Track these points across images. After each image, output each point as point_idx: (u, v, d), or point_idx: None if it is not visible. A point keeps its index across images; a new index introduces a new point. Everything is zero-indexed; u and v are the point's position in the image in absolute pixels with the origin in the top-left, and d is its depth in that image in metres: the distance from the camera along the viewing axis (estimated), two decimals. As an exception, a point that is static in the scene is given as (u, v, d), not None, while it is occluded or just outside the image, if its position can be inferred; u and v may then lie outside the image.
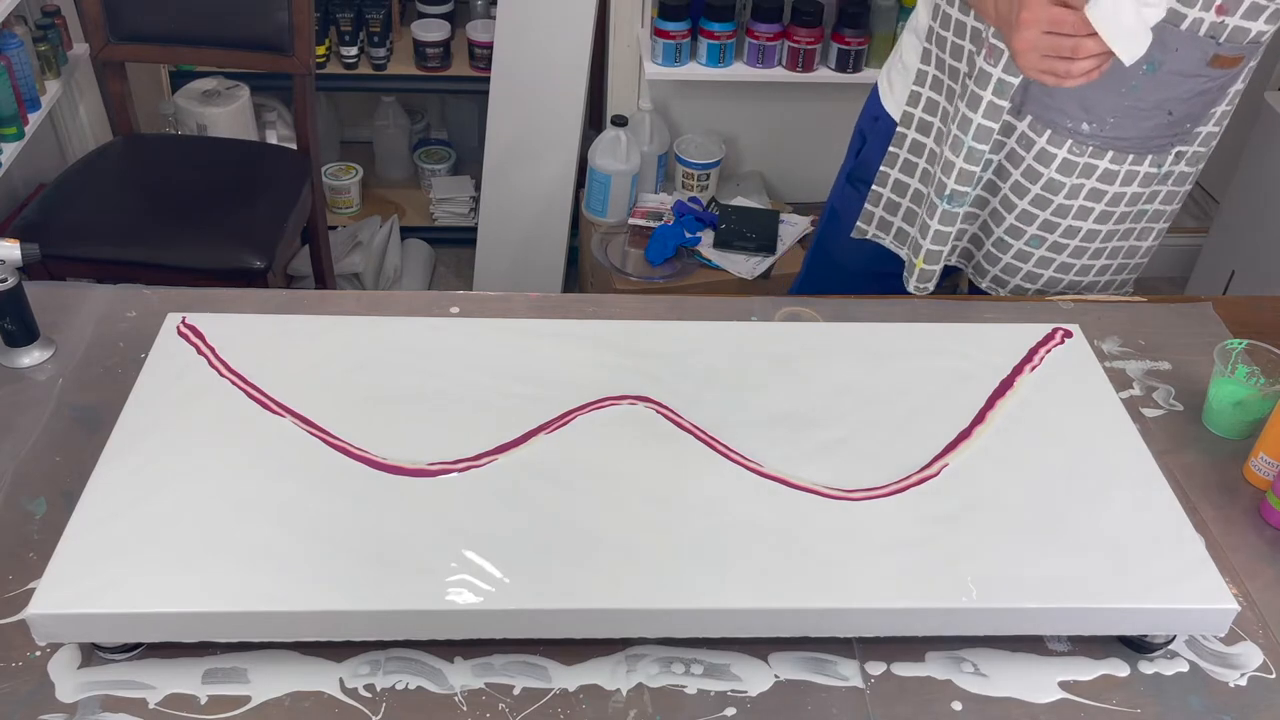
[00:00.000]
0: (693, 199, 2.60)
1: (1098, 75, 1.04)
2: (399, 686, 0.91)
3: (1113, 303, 1.38)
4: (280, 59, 2.16)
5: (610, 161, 2.48)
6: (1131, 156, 1.25)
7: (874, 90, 1.45)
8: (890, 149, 1.38)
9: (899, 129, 1.37)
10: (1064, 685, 0.94)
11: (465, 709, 0.90)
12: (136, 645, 0.92)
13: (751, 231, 2.46)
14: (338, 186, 2.85)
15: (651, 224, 2.49)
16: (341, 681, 0.91)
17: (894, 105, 1.39)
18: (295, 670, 0.92)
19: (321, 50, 2.65)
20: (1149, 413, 1.22)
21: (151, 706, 0.88)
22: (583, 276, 2.73)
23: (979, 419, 1.10)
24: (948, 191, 1.28)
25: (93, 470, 0.98)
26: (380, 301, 1.33)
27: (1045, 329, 1.21)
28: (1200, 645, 0.98)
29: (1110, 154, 1.25)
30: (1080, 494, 1.02)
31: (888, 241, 1.44)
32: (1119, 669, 0.96)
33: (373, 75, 2.71)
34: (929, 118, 1.33)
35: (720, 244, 2.45)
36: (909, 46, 1.36)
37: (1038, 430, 1.08)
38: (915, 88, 1.33)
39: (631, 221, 2.51)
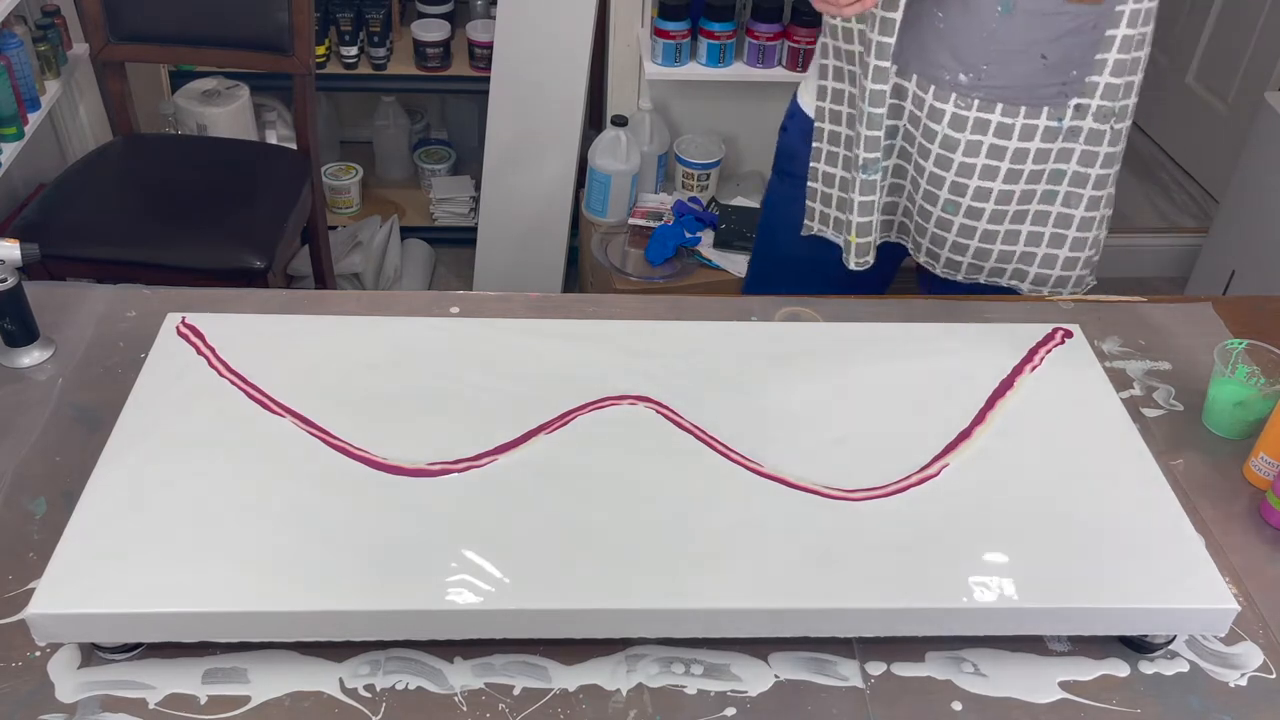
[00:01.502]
0: (693, 199, 2.60)
1: (872, 4, 1.15)
2: (399, 686, 0.91)
3: (1113, 303, 1.38)
4: (280, 59, 2.16)
5: (610, 161, 2.48)
6: (1024, 109, 1.27)
7: (796, 90, 1.52)
8: (813, 145, 1.43)
9: (816, 124, 1.41)
10: (1064, 685, 0.94)
11: (465, 709, 0.90)
12: (136, 645, 0.92)
13: (751, 231, 2.45)
14: (338, 186, 2.85)
15: (651, 224, 2.49)
16: (341, 681, 0.91)
17: (808, 101, 1.45)
18: (295, 670, 0.92)
19: (321, 50, 2.65)
20: (1149, 413, 1.22)
21: (151, 706, 0.88)
22: (583, 276, 2.73)
23: (979, 419, 1.10)
24: (860, 162, 1.33)
25: (93, 470, 0.98)
26: (380, 301, 1.33)
27: (1045, 329, 1.21)
28: (1200, 645, 0.98)
29: (1000, 106, 1.26)
30: (1080, 494, 1.02)
31: (829, 233, 1.47)
32: (1119, 669, 0.96)
33: (373, 75, 2.71)
34: (838, 107, 1.38)
35: (720, 244, 2.45)
36: (819, 45, 1.41)
37: (1038, 430, 1.08)
38: (820, 81, 1.38)
39: (631, 221, 2.51)
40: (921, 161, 1.34)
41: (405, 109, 3.00)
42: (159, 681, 0.90)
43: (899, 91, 1.31)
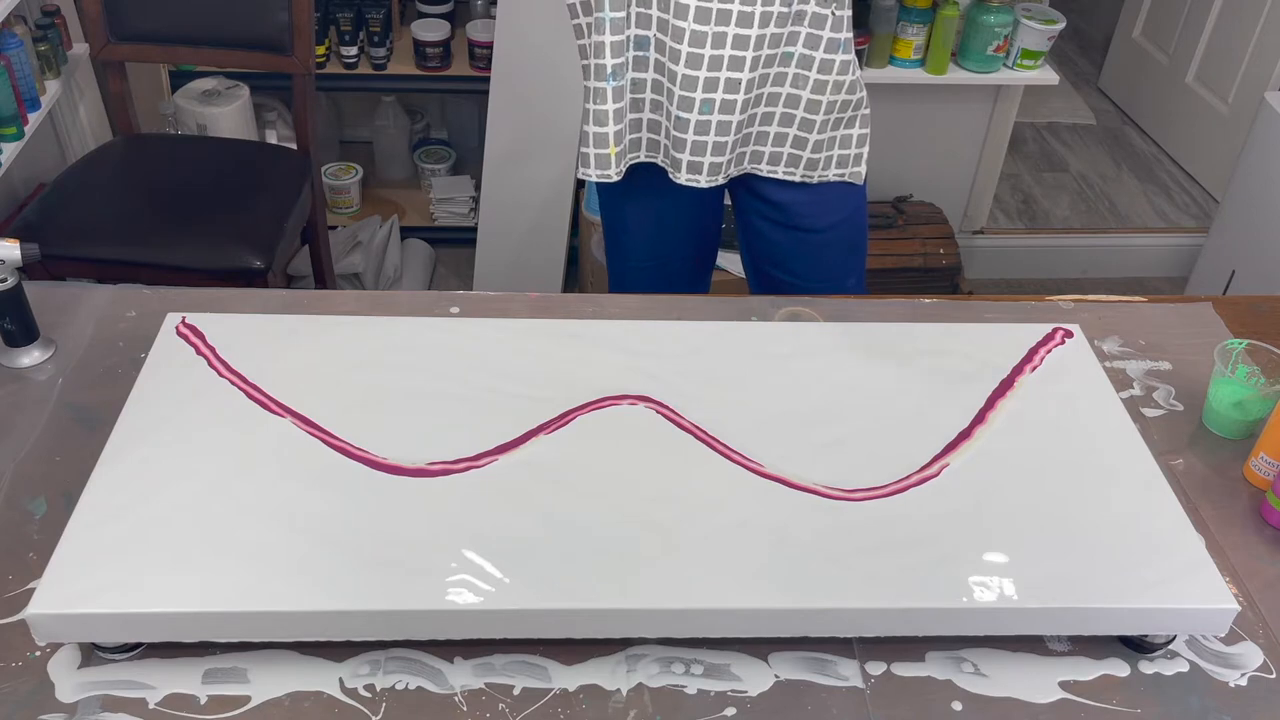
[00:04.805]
0: (693, 199, 2.59)
1: None
2: (399, 686, 0.91)
3: (1113, 303, 1.38)
4: (280, 59, 2.16)
5: (610, 161, 2.48)
6: None
7: None
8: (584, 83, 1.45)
9: (582, 62, 1.44)
10: (1064, 685, 0.94)
11: (465, 709, 0.90)
12: (136, 645, 0.92)
13: (751, 231, 2.45)
14: (338, 186, 2.85)
15: (651, 224, 2.48)
16: (341, 681, 0.91)
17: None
18: (295, 670, 0.92)
19: (321, 50, 2.65)
20: (1149, 413, 1.22)
21: (151, 706, 0.89)
22: (583, 276, 2.73)
23: (979, 419, 1.10)
24: (609, 70, 1.35)
25: (93, 470, 0.98)
26: (380, 301, 1.33)
27: (1045, 329, 1.21)
28: (1200, 645, 0.98)
29: None
30: (1080, 494, 1.02)
31: (593, 174, 1.46)
32: (1119, 669, 0.96)
33: (373, 75, 2.71)
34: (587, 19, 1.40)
35: (720, 244, 2.44)
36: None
37: (1038, 430, 1.08)
38: (574, 20, 1.41)
39: (631, 221, 2.51)
40: (673, 67, 1.35)
41: (405, 109, 3.00)
42: (159, 681, 0.90)
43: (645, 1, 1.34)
